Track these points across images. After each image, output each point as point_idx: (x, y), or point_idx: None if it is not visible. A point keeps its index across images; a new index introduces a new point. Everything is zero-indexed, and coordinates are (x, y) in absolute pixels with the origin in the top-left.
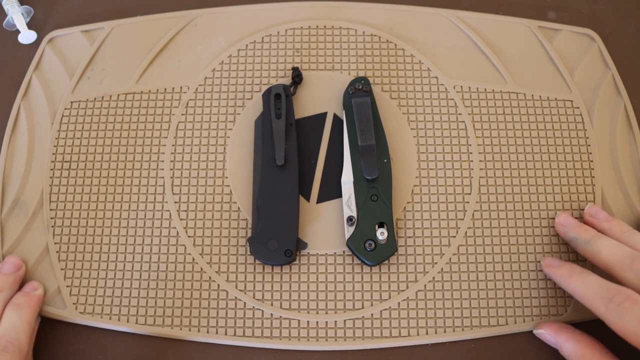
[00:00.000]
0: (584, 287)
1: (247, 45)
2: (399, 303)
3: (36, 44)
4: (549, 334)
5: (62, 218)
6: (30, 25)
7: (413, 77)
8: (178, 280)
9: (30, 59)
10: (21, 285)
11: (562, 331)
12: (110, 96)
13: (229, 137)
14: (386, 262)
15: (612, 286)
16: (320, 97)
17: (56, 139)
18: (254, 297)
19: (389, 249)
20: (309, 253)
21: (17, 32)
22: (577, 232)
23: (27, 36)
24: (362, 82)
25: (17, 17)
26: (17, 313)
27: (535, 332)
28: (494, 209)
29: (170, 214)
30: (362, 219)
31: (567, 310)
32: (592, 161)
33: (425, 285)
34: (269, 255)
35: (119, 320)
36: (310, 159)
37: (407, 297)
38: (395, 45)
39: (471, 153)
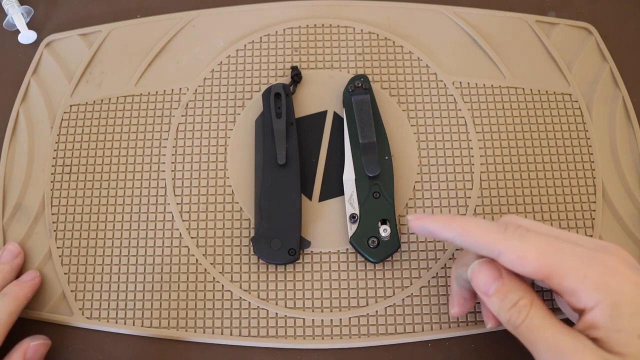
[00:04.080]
0: (473, 223)
1: (245, 45)
2: (403, 299)
3: (35, 45)
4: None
5: (64, 222)
6: (30, 26)
7: (412, 74)
8: (182, 281)
9: (30, 59)
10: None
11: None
12: (110, 99)
13: (229, 137)
14: (389, 258)
15: (498, 220)
16: (320, 95)
17: (56, 143)
18: (258, 297)
19: (392, 245)
20: (312, 251)
21: (17, 32)
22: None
23: (27, 36)
24: (362, 79)
25: (17, 17)
26: (0, 302)
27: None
28: (495, 204)
29: (172, 215)
30: (364, 216)
31: None
32: (592, 154)
33: (429, 281)
34: (273, 254)
35: (125, 323)
36: (311, 157)
37: (412, 294)
38: (394, 42)
39: (471, 148)
